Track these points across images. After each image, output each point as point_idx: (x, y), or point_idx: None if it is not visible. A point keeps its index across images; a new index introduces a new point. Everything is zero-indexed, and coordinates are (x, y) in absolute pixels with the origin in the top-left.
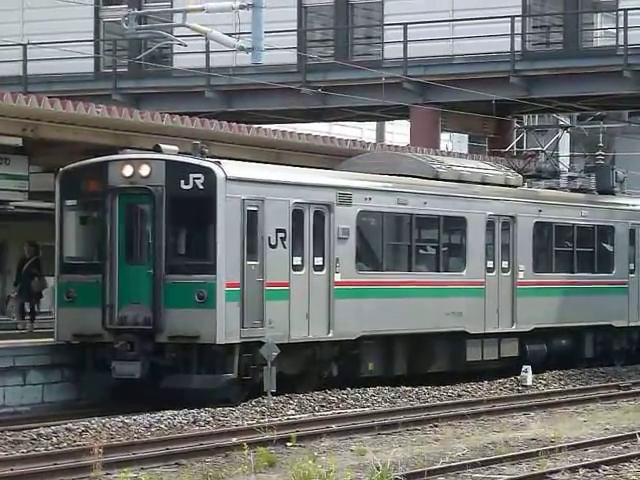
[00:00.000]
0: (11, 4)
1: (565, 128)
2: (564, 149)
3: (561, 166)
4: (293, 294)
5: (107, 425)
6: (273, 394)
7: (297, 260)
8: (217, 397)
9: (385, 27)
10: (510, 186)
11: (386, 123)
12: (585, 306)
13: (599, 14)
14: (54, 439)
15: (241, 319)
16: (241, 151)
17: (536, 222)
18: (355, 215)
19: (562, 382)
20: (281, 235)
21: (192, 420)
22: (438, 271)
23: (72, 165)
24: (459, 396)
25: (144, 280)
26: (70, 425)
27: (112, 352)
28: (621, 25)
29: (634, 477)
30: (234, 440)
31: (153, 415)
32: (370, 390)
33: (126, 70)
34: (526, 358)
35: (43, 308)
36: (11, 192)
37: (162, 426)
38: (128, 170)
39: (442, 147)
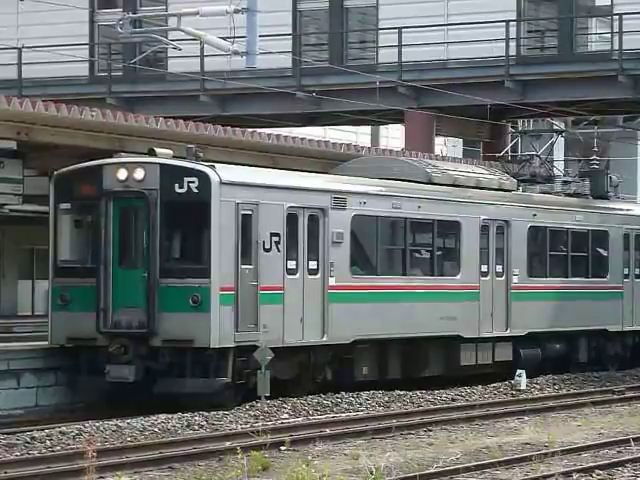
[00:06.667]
0: (6, 8)
1: (560, 133)
2: (559, 154)
3: (555, 171)
4: (287, 298)
5: (101, 429)
6: (267, 398)
7: (291, 264)
8: (211, 401)
9: (380, 31)
10: (504, 190)
11: (381, 127)
12: (579, 311)
13: (594, 19)
14: (48, 442)
15: (235, 323)
16: (236, 155)
17: (530, 226)
18: (349, 219)
19: (556, 387)
20: (275, 239)
21: (186, 424)
22: (432, 275)
23: (66, 168)
24: (453, 400)
25: (138, 284)
26: (64, 428)
27: (106, 356)
28: (616, 30)
29: None
30: (228, 444)
31: (147, 419)
32: (364, 394)
33: (121, 74)
34: (520, 362)
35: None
36: (5, 195)
37: (156, 430)
38: (122, 174)
39: (436, 151)
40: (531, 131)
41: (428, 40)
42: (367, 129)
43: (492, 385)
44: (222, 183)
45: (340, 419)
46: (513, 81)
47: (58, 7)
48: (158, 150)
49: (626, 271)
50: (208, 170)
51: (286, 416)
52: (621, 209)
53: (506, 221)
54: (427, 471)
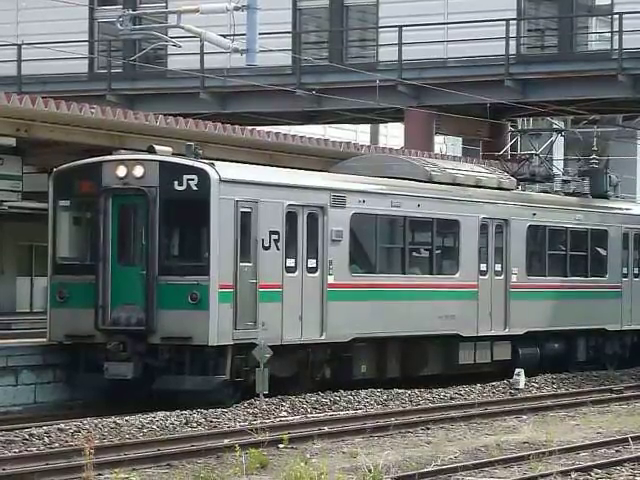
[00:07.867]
0: (6, 4)
1: (559, 132)
2: (558, 153)
3: (555, 170)
4: (286, 296)
5: (99, 426)
6: (265, 396)
7: (290, 262)
8: (209, 399)
9: (380, 30)
10: (504, 189)
11: (380, 126)
12: (578, 310)
13: (594, 18)
14: (46, 439)
15: (234, 321)
16: (235, 153)
17: (529, 225)
18: (349, 217)
19: (555, 386)
20: (274, 237)
21: (184, 421)
22: (431, 274)
23: (65, 165)
24: (451, 399)
25: (137, 281)
26: (62, 425)
27: (105, 353)
28: (616, 29)
29: None
30: (226, 442)
31: (145, 416)
32: (362, 392)
33: (120, 71)
34: (519, 361)
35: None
36: (5, 192)
37: (154, 427)
38: (122, 171)
39: (436, 150)
40: (531, 130)
41: (428, 38)
42: (366, 127)
43: (490, 384)
44: (221, 181)
45: (338, 417)
46: (513, 80)
47: (58, 4)
48: (158, 147)
49: (625, 270)
50: (208, 168)
51: (284, 414)
52: (620, 208)
53: (505, 220)
54: (425, 469)
